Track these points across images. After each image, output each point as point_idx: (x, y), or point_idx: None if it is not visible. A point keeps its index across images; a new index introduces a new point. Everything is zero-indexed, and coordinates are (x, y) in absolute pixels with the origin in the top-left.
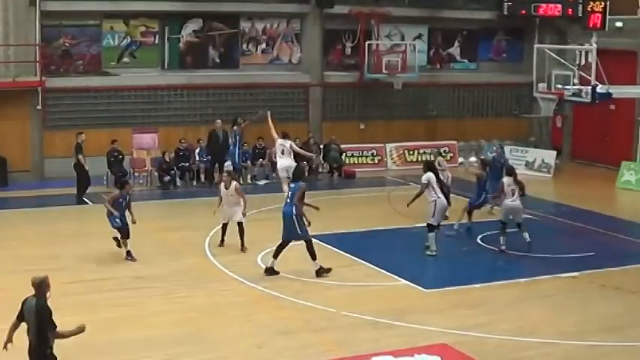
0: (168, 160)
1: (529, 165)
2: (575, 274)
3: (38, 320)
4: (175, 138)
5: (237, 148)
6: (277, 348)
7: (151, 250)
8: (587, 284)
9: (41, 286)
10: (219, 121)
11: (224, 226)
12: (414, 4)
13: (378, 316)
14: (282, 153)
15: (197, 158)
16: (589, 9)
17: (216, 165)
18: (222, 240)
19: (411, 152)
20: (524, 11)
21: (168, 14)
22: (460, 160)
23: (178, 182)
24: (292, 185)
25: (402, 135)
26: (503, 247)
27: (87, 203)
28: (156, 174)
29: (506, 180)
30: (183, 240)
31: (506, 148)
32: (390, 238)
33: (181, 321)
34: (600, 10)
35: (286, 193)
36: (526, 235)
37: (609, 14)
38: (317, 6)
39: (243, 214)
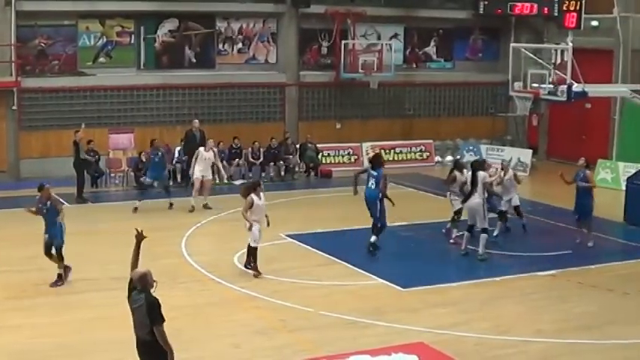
0: (144, 160)
1: (505, 164)
2: (553, 272)
3: (150, 315)
4: (151, 138)
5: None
6: (254, 348)
7: (127, 250)
8: (564, 282)
9: (143, 281)
10: (196, 121)
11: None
12: (390, 3)
13: (355, 316)
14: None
15: (176, 157)
16: (565, 8)
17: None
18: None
19: (388, 151)
20: (500, 10)
21: (143, 14)
22: (437, 159)
23: (155, 182)
24: (374, 173)
25: (379, 134)
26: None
27: (87, 202)
28: (132, 174)
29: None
30: (159, 240)
31: (483, 147)
32: (366, 238)
33: None
34: (576, 9)
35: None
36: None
37: (585, 13)
38: (293, 6)
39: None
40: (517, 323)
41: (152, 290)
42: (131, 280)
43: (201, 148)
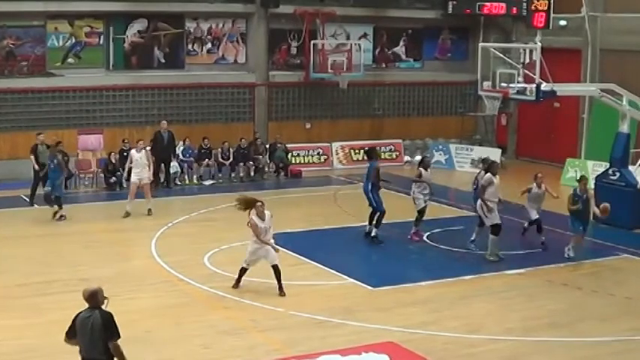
0: (113, 161)
1: (474, 163)
2: (522, 270)
3: (106, 333)
4: (121, 139)
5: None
6: (225, 348)
7: (97, 251)
8: (533, 281)
9: (94, 298)
10: (164, 122)
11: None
12: (359, 3)
13: (325, 315)
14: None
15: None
16: (533, 8)
17: (162, 165)
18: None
19: (357, 151)
20: (468, 10)
21: (112, 14)
22: (406, 158)
23: (124, 183)
24: (368, 165)
25: (348, 134)
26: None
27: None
28: (102, 175)
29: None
30: (129, 241)
31: (452, 147)
32: (336, 237)
33: (128, 322)
34: (544, 8)
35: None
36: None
37: (553, 13)
38: (262, 6)
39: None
40: (487, 322)
41: (104, 307)
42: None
43: (133, 150)
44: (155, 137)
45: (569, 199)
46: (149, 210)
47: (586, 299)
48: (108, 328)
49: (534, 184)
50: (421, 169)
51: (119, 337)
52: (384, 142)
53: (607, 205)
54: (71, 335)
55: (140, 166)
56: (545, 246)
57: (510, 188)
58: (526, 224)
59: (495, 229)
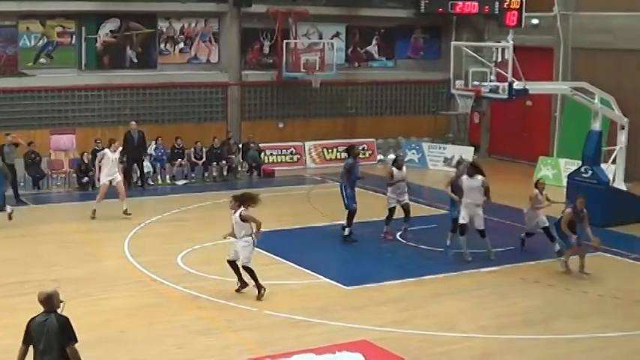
0: (86, 161)
1: (447, 161)
2: (495, 268)
3: (63, 337)
4: (93, 139)
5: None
6: (198, 348)
7: (70, 251)
8: (506, 279)
9: (50, 301)
10: (133, 122)
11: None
12: (332, 2)
13: (299, 314)
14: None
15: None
16: (505, 6)
17: (134, 165)
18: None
19: (330, 150)
20: (441, 9)
21: (84, 14)
22: (379, 157)
23: (97, 183)
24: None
25: (321, 133)
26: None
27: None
28: (74, 175)
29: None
30: (102, 241)
31: (425, 145)
32: (310, 237)
33: (101, 323)
34: (516, 7)
35: None
36: None
37: (525, 11)
38: (234, 5)
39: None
40: (460, 320)
41: (59, 311)
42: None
43: (107, 150)
44: (125, 138)
45: (566, 220)
46: (126, 210)
47: (559, 297)
48: (65, 332)
49: (537, 190)
50: (393, 168)
51: (76, 341)
52: (357, 141)
53: (598, 240)
54: (28, 341)
55: (113, 166)
56: (523, 245)
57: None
58: (523, 234)
59: (458, 227)
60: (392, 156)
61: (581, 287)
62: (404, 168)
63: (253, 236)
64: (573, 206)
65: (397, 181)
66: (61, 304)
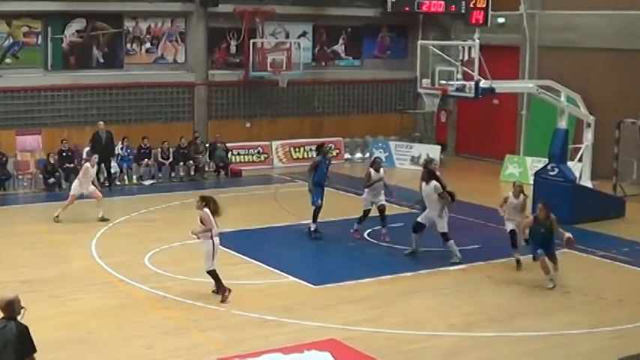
0: (52, 161)
1: (414, 160)
2: (463, 266)
3: (21, 346)
4: (60, 139)
5: None
6: (167, 348)
7: (37, 253)
8: (474, 277)
9: (10, 308)
10: (101, 122)
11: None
12: (299, 1)
13: (267, 314)
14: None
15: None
16: (472, 5)
17: (102, 166)
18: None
19: (297, 150)
20: (407, 8)
21: (51, 14)
22: (346, 156)
23: (63, 184)
24: None
25: (288, 133)
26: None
27: None
28: (40, 176)
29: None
30: (70, 242)
31: (392, 144)
32: (277, 236)
33: (69, 324)
34: (482, 6)
35: None
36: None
37: (491, 10)
38: (201, 5)
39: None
40: (428, 318)
41: (19, 318)
42: None
43: (88, 164)
44: (93, 138)
45: (523, 227)
46: (102, 217)
47: (526, 294)
48: (23, 341)
49: (511, 193)
50: (371, 170)
51: (35, 351)
52: (325, 140)
53: (570, 236)
54: None
55: (89, 180)
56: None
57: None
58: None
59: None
60: (359, 154)
61: (548, 284)
62: (381, 170)
63: (212, 240)
64: (535, 216)
65: (374, 182)
66: (22, 311)
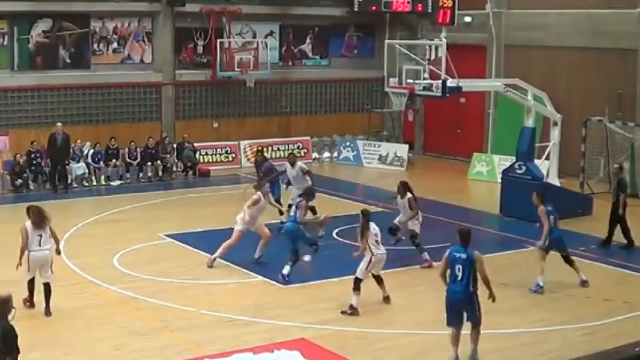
0: (20, 162)
1: (382, 159)
2: (435, 264)
3: (5, 348)
4: (27, 140)
5: None
6: (136, 349)
7: (4, 253)
8: None
9: (3, 307)
10: (59, 124)
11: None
12: (265, 1)
13: (236, 314)
14: None
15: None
16: (438, 4)
17: (58, 168)
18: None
19: (266, 149)
20: (374, 7)
21: (17, 14)
22: (314, 155)
23: (31, 185)
24: None
25: (256, 132)
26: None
27: None
28: (8, 177)
29: None
30: None
31: (359, 143)
32: (246, 236)
33: (37, 325)
34: (449, 5)
35: None
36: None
37: (458, 9)
38: (168, 4)
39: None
40: (398, 316)
41: (10, 318)
42: None
43: (258, 195)
44: (49, 140)
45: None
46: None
47: (496, 291)
48: (7, 343)
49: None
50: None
51: (19, 352)
52: (292, 140)
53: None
54: None
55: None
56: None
57: (418, 183)
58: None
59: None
60: (327, 154)
61: (517, 282)
62: (297, 164)
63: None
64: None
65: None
66: (13, 311)
